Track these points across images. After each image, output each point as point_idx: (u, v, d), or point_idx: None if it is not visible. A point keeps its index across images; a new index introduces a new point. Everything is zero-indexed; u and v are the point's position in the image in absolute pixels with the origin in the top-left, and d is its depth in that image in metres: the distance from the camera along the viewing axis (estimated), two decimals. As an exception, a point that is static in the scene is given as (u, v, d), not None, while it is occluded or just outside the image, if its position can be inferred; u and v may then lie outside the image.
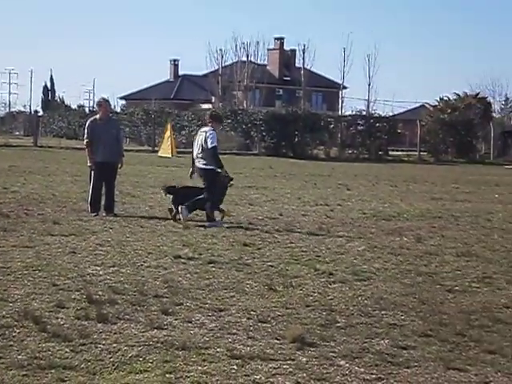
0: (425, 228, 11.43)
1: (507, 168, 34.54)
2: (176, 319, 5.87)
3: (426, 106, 52.29)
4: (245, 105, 48.13)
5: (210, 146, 10.86)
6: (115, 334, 5.44)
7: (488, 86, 59.32)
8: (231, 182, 11.52)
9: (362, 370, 4.89)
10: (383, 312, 6.30)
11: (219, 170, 11.05)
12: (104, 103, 12.25)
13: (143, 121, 42.49)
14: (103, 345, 5.18)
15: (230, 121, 38.82)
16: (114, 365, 4.80)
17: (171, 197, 11.44)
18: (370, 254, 9.05)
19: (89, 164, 11.94)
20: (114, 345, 5.19)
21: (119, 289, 6.75)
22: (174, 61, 65.62)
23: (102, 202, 11.76)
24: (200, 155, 11.08)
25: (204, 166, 11.03)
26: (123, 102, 64.36)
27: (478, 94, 48.45)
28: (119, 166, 12.02)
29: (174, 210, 11.12)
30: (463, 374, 4.86)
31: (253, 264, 8.17)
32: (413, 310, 6.40)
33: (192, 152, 11.39)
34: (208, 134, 10.97)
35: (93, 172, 11.84)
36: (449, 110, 43.54)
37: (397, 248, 9.49)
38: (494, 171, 30.97)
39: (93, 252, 8.48)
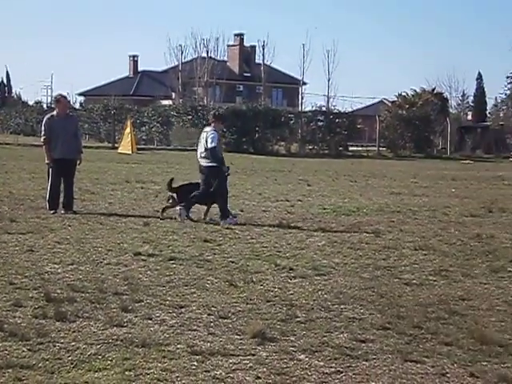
0: (384, 222, 11.57)
1: (463, 163, 35.14)
2: (136, 316, 5.84)
3: (385, 101, 52.91)
4: (205, 101, 47.99)
5: (209, 145, 11.09)
6: (74, 332, 5.40)
7: (445, 82, 60.38)
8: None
9: (322, 363, 4.94)
10: (342, 306, 6.37)
11: (223, 168, 11.29)
12: (62, 99, 12.10)
13: (102, 117, 42.08)
14: (61, 343, 5.13)
15: (190, 117, 38.69)
16: (72, 363, 4.76)
17: (173, 195, 11.48)
18: (329, 248, 9.13)
19: (47, 161, 11.78)
20: (73, 343, 5.15)
21: (78, 287, 6.68)
22: (134, 57, 65.03)
23: (61, 200, 11.62)
24: (203, 154, 11.25)
25: (207, 164, 11.22)
26: (82, 98, 63.65)
27: (434, 89, 49.15)
28: (78, 162, 11.90)
29: (181, 210, 11.15)
30: (420, 366, 4.94)
31: (213, 260, 8.17)
32: (371, 303, 6.48)
33: (196, 151, 11.63)
34: (209, 134, 11.19)
35: (51, 169, 11.69)
36: (407, 106, 44.11)
37: (356, 243, 9.59)
38: (451, 166, 31.49)
39: (51, 250, 8.38)
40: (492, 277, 7.71)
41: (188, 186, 11.71)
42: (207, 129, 11.47)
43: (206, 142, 11.13)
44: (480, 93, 63.30)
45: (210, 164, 11.17)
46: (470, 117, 58.75)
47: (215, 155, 11.14)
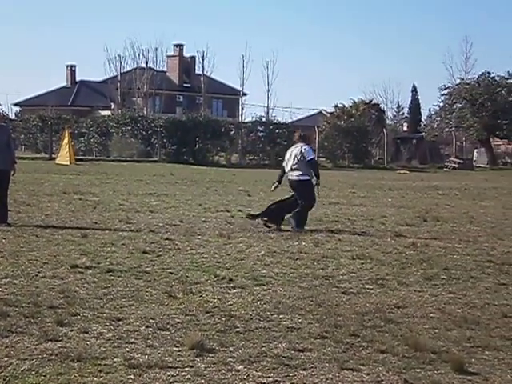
0: (322, 232, 11.70)
1: (400, 173, 35.90)
2: (72, 330, 5.74)
3: (324, 112, 53.63)
4: (145, 111, 47.70)
5: (308, 157, 11.83)
6: (6, 347, 5.26)
7: (381, 94, 61.64)
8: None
9: (260, 373, 4.96)
10: (281, 316, 6.41)
11: (314, 181, 11.95)
12: (-5, 110, 11.83)
13: (39, 127, 41.26)
14: (-6, 360, 5.00)
15: (129, 128, 38.36)
16: (5, 379, 4.64)
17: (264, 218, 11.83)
18: (269, 258, 9.18)
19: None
20: (5, 359, 5.02)
21: (12, 301, 6.52)
22: (71, 66, 64.01)
23: (-5, 212, 11.34)
24: (295, 166, 11.81)
25: (299, 178, 11.82)
26: (18, 108, 62.23)
27: (371, 100, 50.15)
28: (12, 173, 11.65)
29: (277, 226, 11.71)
30: (356, 374, 5.01)
31: (152, 271, 8.11)
32: (310, 312, 6.54)
33: (282, 167, 12.22)
34: (304, 148, 11.91)
35: (-16, 181, 11.39)
36: (345, 117, 44.84)
37: (295, 252, 9.67)
38: (388, 176, 32.12)
39: (-16, 264, 8.16)
40: (426, 284, 7.89)
41: (278, 205, 12.12)
42: (299, 144, 12.04)
43: (302, 155, 11.76)
44: (415, 104, 64.88)
45: (303, 177, 11.81)
46: (405, 128, 60.13)
47: (315, 166, 12.12)
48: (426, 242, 10.80)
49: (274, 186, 12.62)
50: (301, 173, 11.84)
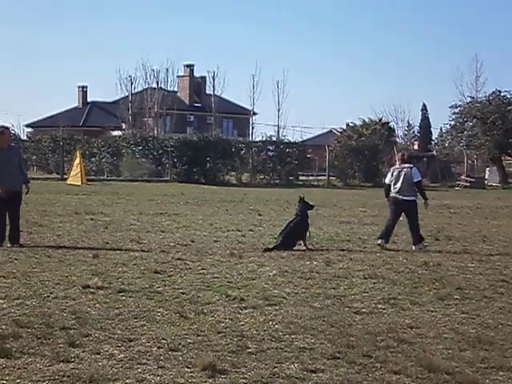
0: (334, 251, 11.67)
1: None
2: (84, 351, 5.74)
3: (334, 131, 53.72)
4: (156, 131, 47.94)
5: (416, 179, 12.44)
6: (19, 369, 5.26)
7: (391, 112, 61.67)
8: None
9: (273, 394, 4.93)
10: (293, 336, 6.38)
11: (423, 201, 12.61)
12: (5, 131, 11.93)
13: (51, 148, 41.57)
14: (6, 381, 5.00)
15: (140, 148, 38.56)
16: (17, 401, 4.63)
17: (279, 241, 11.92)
18: (280, 278, 9.16)
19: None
20: (18, 380, 5.02)
21: (24, 322, 6.53)
22: (83, 87, 64.52)
23: (7, 233, 11.39)
24: (404, 189, 12.32)
25: (407, 198, 12.35)
26: (30, 129, 62.69)
27: (381, 119, 50.17)
28: (26, 192, 11.76)
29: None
30: (370, 395, 4.97)
31: (164, 292, 8.10)
32: (322, 333, 6.50)
33: (390, 185, 12.59)
34: (413, 170, 12.48)
35: (-4, 202, 11.46)
36: (355, 136, 44.87)
37: (307, 272, 9.64)
38: (400, 195, 31.95)
39: (-4, 284, 8.18)
40: (439, 304, 7.84)
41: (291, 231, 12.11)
42: (406, 165, 12.52)
43: (411, 177, 12.30)
44: (425, 123, 64.89)
45: (410, 198, 12.32)
46: (416, 146, 60.07)
47: (421, 186, 12.69)
48: (438, 261, 10.74)
49: (387, 200, 12.90)
50: (409, 194, 12.37)
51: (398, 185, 12.43)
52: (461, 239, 13.99)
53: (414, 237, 12.39)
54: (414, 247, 12.23)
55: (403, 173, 12.42)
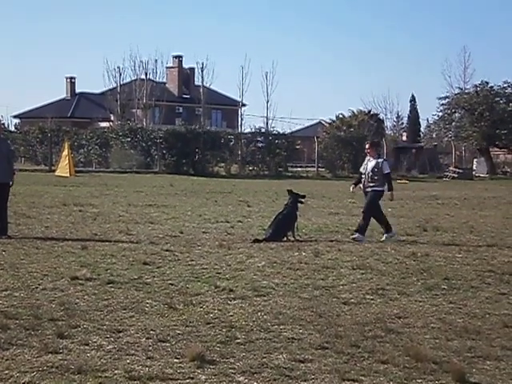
0: (322, 242, 11.70)
1: (399, 182, 35.88)
2: (72, 342, 5.73)
3: (323, 122, 53.75)
4: (144, 123, 47.77)
5: (385, 171, 12.34)
6: (7, 360, 5.26)
7: (380, 104, 61.81)
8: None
9: (261, 384, 4.95)
10: (282, 327, 6.40)
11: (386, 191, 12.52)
12: (-5, 123, 11.87)
13: (39, 139, 41.32)
14: (-5, 372, 4.99)
15: (129, 139, 38.41)
16: (6, 393, 4.63)
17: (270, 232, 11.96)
18: (269, 269, 9.18)
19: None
20: (6, 371, 5.01)
21: (12, 313, 6.52)
22: (71, 78, 64.12)
23: (-5, 224, 11.35)
24: (373, 178, 12.24)
25: (374, 188, 12.28)
26: (17, 120, 62.32)
27: (370, 110, 50.25)
28: (10, 184, 11.67)
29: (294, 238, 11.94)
30: (357, 384, 5.00)
31: (153, 283, 8.10)
32: (310, 323, 6.53)
33: (360, 173, 12.61)
34: (383, 163, 12.45)
35: (-16, 193, 11.40)
36: (344, 127, 44.90)
37: (296, 263, 9.66)
38: (388, 186, 32.05)
39: (-16, 276, 8.15)
40: (427, 294, 7.89)
41: (280, 222, 12.12)
42: (375, 159, 12.40)
43: (381, 168, 12.24)
44: (414, 114, 65.07)
45: (377, 188, 12.27)
46: (404, 138, 60.22)
47: (390, 180, 12.57)
48: (426, 252, 10.80)
49: (352, 187, 13.02)
50: (376, 184, 12.28)
51: (366, 175, 12.38)
52: (448, 230, 14.07)
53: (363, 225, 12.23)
54: (357, 235, 12.04)
55: (371, 164, 12.34)
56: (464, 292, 8.06)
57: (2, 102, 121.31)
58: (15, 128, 52.07)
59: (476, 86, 47.90)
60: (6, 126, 49.38)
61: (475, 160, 47.96)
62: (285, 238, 11.87)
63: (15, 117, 63.08)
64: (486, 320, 6.80)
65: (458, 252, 11.02)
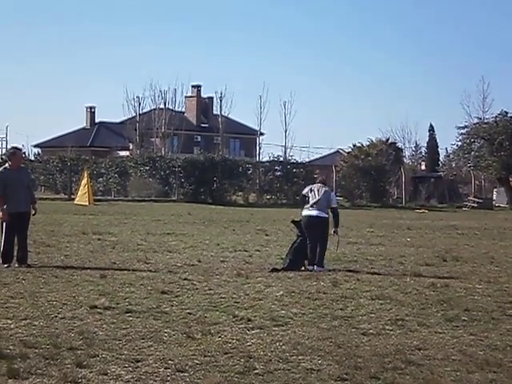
0: (341, 272, 11.64)
1: (418, 212, 35.71)
2: (91, 372, 5.74)
3: (341, 151, 53.73)
4: (163, 151, 48.11)
5: (333, 205, 12.38)
6: (27, 389, 5.27)
7: (398, 133, 61.73)
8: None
9: (280, 416, 4.91)
10: (300, 357, 6.36)
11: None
12: (17, 152, 12.04)
13: (59, 168, 41.77)
14: (14, 401, 5.00)
15: (147, 168, 38.68)
16: (25, 422, 4.63)
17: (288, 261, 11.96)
18: (287, 299, 9.14)
19: (0, 216, 11.54)
20: (26, 401, 5.02)
21: (31, 342, 6.54)
22: (91, 108, 64.91)
23: (15, 253, 11.43)
24: (315, 205, 12.04)
25: (319, 215, 12.02)
26: (38, 149, 63.03)
27: (388, 139, 50.20)
28: (33, 213, 11.77)
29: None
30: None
31: (171, 312, 8.10)
32: (329, 354, 6.48)
33: (305, 199, 12.31)
34: (332, 195, 12.63)
35: (5, 223, 11.50)
36: (362, 156, 44.85)
37: (314, 292, 9.62)
38: (406, 215, 31.95)
39: (4, 305, 8.20)
40: (447, 326, 7.80)
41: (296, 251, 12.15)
42: (325, 188, 12.42)
43: (330, 200, 12.22)
44: (432, 144, 64.89)
45: (323, 215, 12.02)
46: (423, 167, 60.03)
47: (338, 214, 12.47)
48: (445, 283, 10.70)
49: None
50: (322, 212, 12.05)
51: (314, 201, 12.05)
52: (468, 260, 13.94)
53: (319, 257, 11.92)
54: (315, 267, 11.74)
55: (321, 191, 12.16)
56: (485, 324, 7.96)
57: (23, 132, 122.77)
58: (35, 157, 52.57)
59: (495, 116, 47.76)
60: (27, 155, 49.95)
61: (495, 190, 47.61)
62: (302, 268, 11.83)
63: (35, 146, 63.80)
64: (508, 352, 6.71)
65: (478, 283, 10.91)
